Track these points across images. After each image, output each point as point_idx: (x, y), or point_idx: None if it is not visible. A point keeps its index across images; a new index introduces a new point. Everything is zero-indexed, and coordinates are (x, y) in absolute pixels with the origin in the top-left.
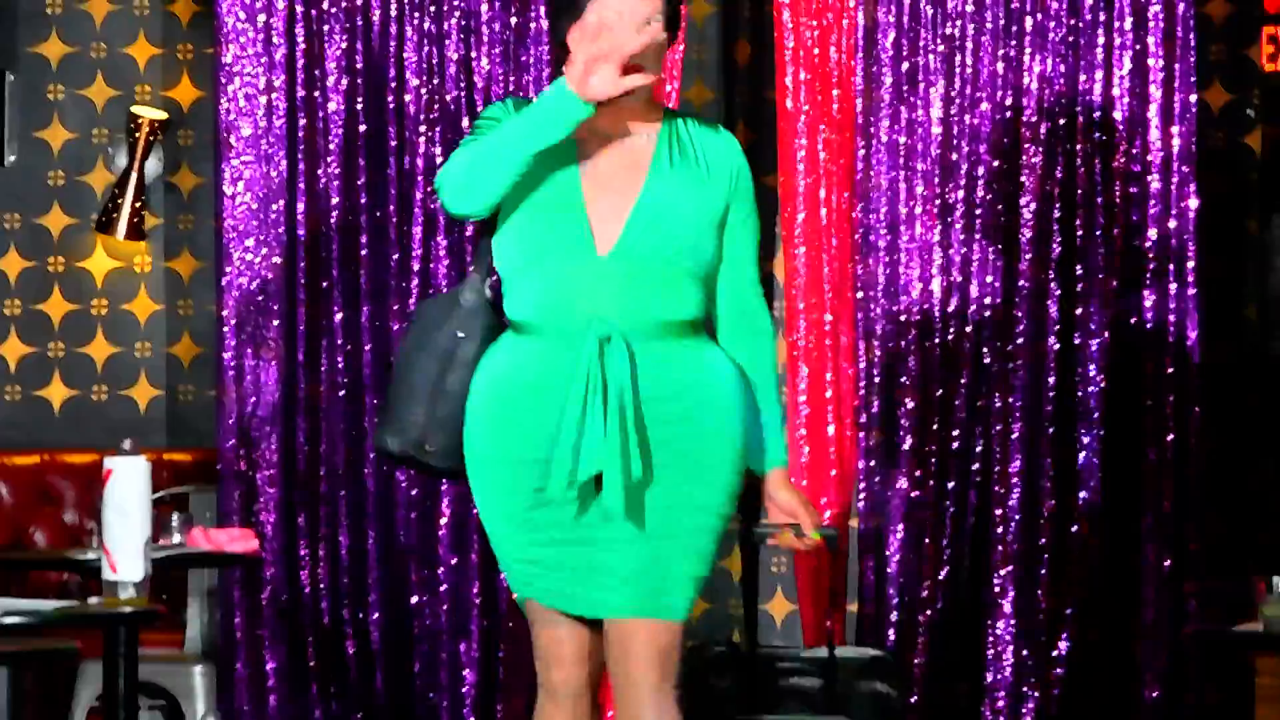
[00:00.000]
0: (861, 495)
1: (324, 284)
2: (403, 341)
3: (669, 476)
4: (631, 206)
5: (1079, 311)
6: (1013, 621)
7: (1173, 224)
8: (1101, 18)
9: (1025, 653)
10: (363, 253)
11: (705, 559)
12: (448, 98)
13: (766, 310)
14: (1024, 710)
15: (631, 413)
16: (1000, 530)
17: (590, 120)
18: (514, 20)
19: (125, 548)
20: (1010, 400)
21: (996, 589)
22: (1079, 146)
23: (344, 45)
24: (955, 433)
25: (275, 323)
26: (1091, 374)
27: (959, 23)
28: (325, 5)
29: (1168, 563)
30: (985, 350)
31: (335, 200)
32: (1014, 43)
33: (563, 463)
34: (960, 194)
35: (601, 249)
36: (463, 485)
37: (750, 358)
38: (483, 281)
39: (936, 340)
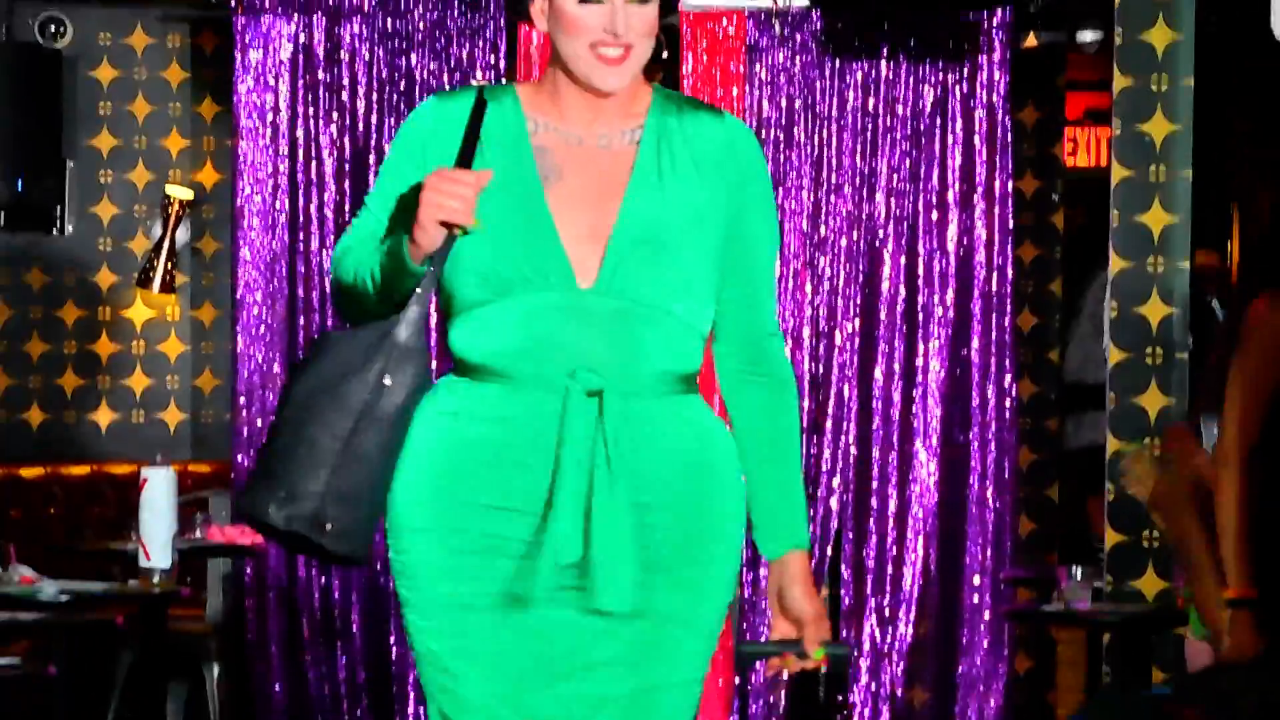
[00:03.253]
0: None
1: (317, 331)
2: (295, 383)
3: (657, 584)
4: (612, 226)
5: (919, 355)
6: (872, 615)
7: (994, 285)
8: (938, 121)
9: (877, 636)
10: None
11: (694, 705)
12: None
13: (784, 355)
14: (880, 684)
15: (626, 491)
16: (852, 535)
17: (551, 119)
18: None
19: (157, 541)
20: (869, 425)
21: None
22: (920, 223)
23: (334, 134)
24: (813, 452)
25: (278, 361)
26: (930, 405)
27: (827, 123)
28: (321, 104)
29: (989, 556)
30: (847, 387)
31: (328, 264)
32: (869, 139)
33: (546, 548)
34: (826, 260)
35: (582, 280)
36: (367, 570)
37: (767, 417)
38: (422, 317)
39: (807, 380)
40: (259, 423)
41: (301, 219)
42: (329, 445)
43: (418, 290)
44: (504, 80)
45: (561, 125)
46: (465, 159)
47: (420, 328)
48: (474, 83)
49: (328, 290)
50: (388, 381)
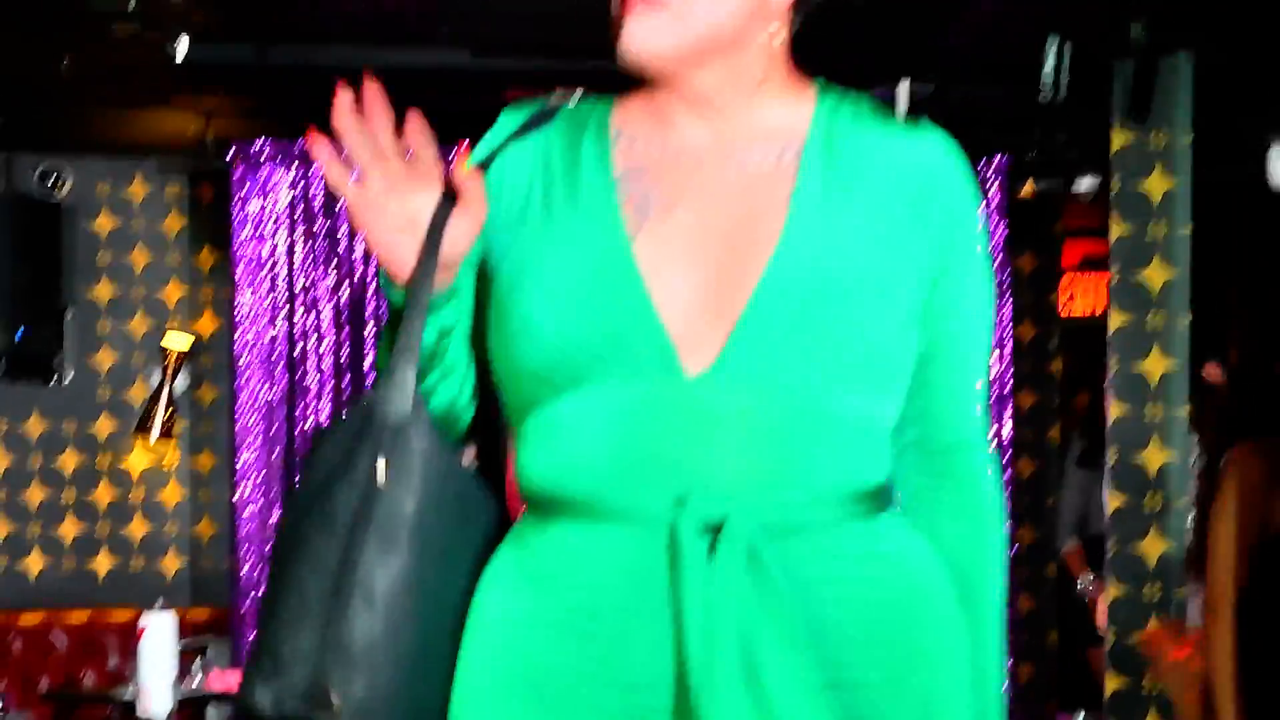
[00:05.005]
0: None
1: None
2: (285, 508)
3: None
4: (752, 289)
5: None
6: None
7: (991, 431)
8: None
9: None
10: None
11: None
12: None
13: (991, 468)
14: None
15: (777, 674)
16: None
17: (648, 128)
18: None
19: (156, 687)
20: None
21: None
22: None
23: (332, 283)
24: None
25: (277, 508)
26: None
27: None
28: (318, 252)
29: None
30: None
31: (325, 410)
32: None
33: None
34: None
35: (692, 366)
36: None
37: (956, 559)
38: (422, 381)
39: None
40: (258, 571)
41: (299, 367)
42: (319, 585)
43: (405, 337)
44: None
45: (665, 136)
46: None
47: (421, 397)
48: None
49: None
50: (381, 477)
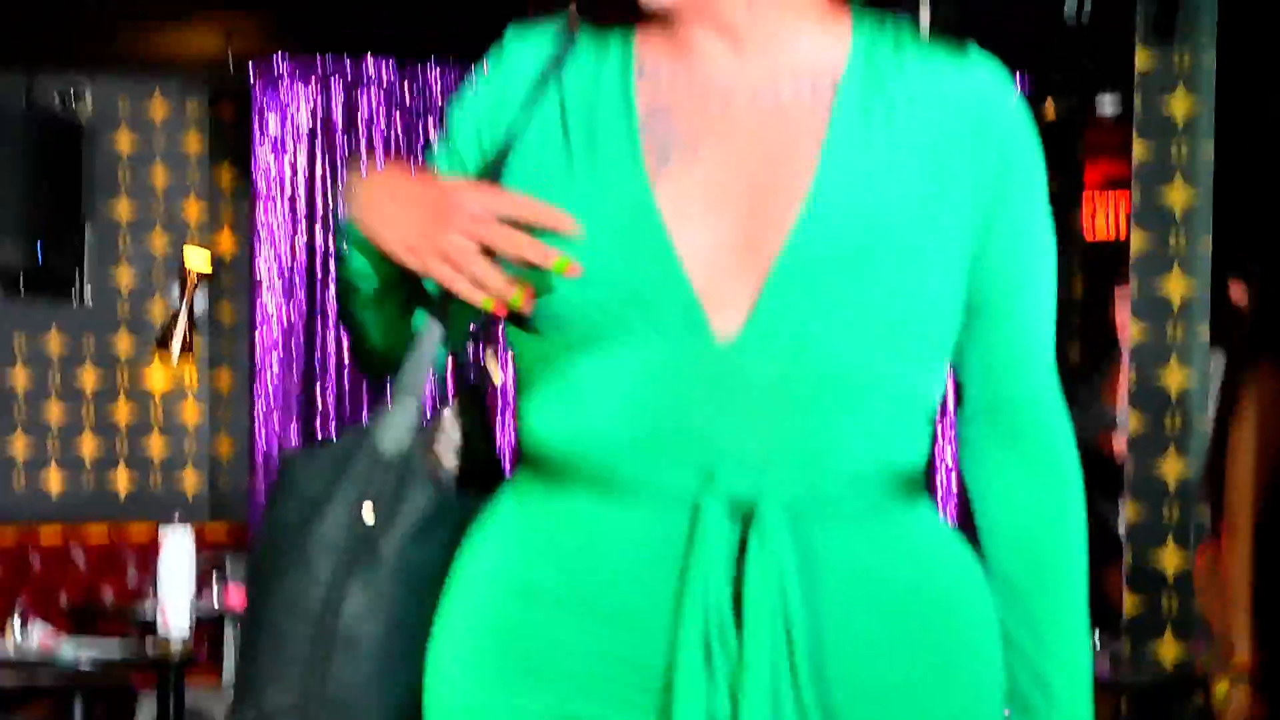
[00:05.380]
0: None
1: (335, 397)
2: (256, 538)
3: None
4: (783, 241)
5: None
6: None
7: None
8: None
9: None
10: None
11: None
12: None
13: (1067, 432)
14: None
15: (807, 669)
16: None
17: (673, 60)
18: None
19: (175, 602)
20: None
21: None
22: None
23: None
24: None
25: (294, 428)
26: (948, 473)
27: None
28: (339, 171)
29: None
30: None
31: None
32: None
33: None
34: None
35: (721, 326)
36: None
37: (1031, 534)
38: (423, 411)
39: None
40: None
41: (319, 286)
42: (299, 631)
43: (409, 374)
44: None
45: (691, 72)
46: (495, 168)
47: (419, 431)
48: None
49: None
50: (369, 517)
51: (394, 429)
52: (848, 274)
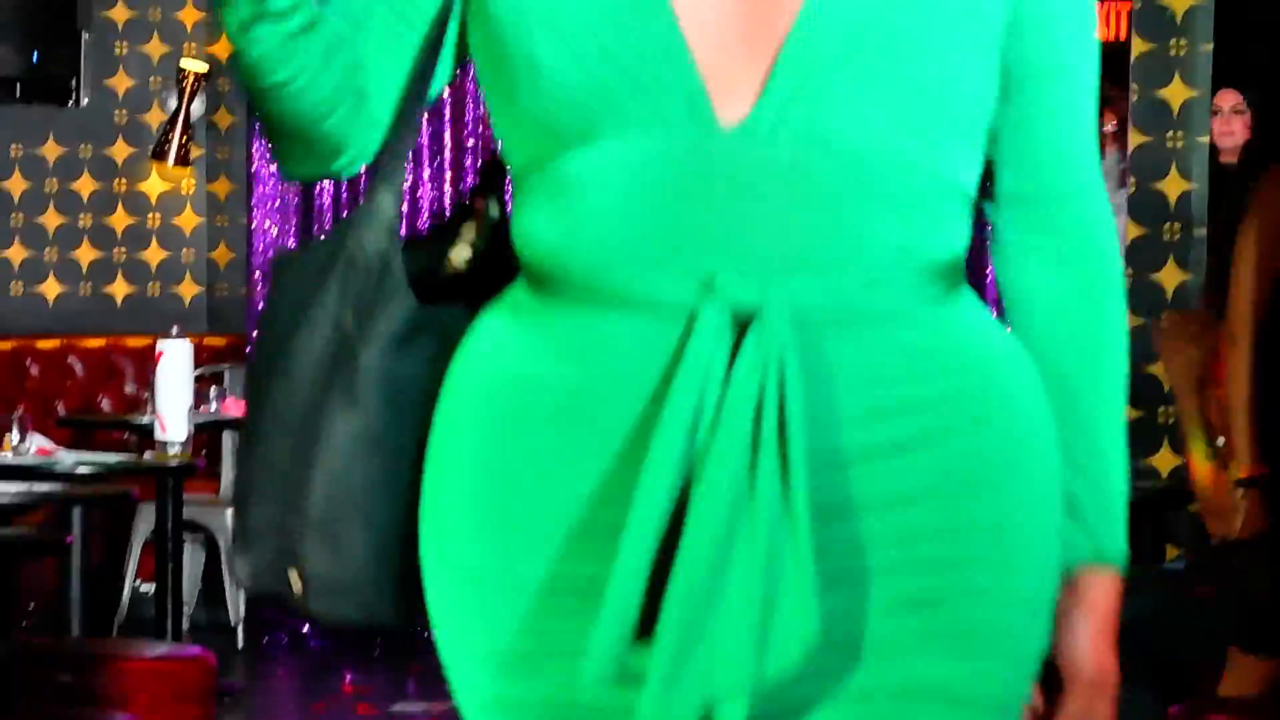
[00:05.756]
0: None
1: (331, 202)
2: (253, 347)
3: (906, 641)
4: (796, 10)
5: None
6: None
7: None
8: None
9: None
10: None
11: None
12: None
13: (1110, 226)
14: None
15: (805, 492)
16: None
17: None
18: None
19: (173, 413)
20: None
21: None
22: None
23: None
24: None
25: (293, 235)
26: None
27: None
28: None
29: None
30: None
31: None
32: None
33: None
34: None
35: (726, 110)
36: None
37: (1066, 323)
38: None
39: None
40: None
41: None
42: (280, 444)
43: (387, 162)
44: None
45: None
46: None
47: (396, 229)
48: None
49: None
50: (350, 324)
51: (370, 228)
52: (869, 46)
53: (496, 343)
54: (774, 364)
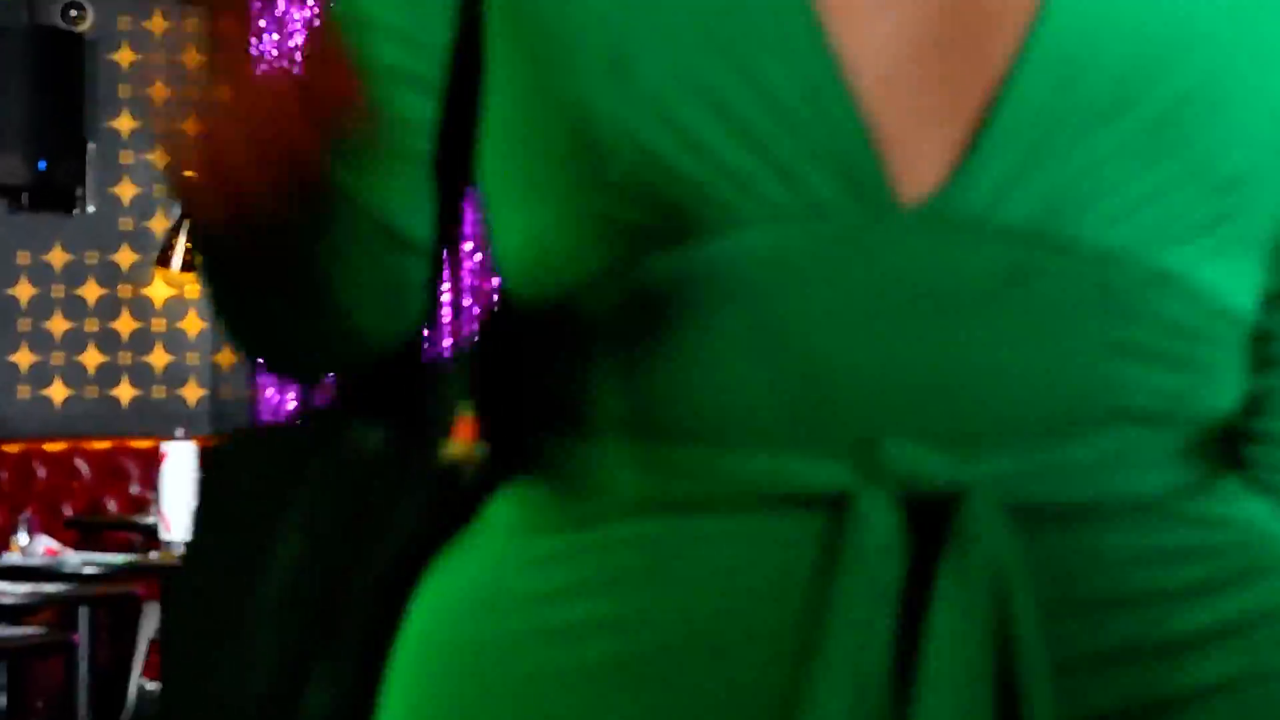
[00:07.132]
0: None
1: None
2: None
3: None
4: (1007, 56)
5: None
6: None
7: None
8: None
9: None
10: None
11: None
12: None
13: None
14: None
15: None
16: None
17: None
18: None
19: (178, 514)
20: None
21: None
22: None
23: None
24: None
25: None
26: None
27: None
28: None
29: None
30: None
31: None
32: None
33: None
34: None
35: (906, 185)
36: None
37: None
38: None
39: None
40: (276, 399)
41: None
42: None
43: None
44: None
45: None
46: None
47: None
48: None
49: None
50: (298, 545)
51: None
52: (1106, 114)
53: (490, 582)
54: (982, 586)
